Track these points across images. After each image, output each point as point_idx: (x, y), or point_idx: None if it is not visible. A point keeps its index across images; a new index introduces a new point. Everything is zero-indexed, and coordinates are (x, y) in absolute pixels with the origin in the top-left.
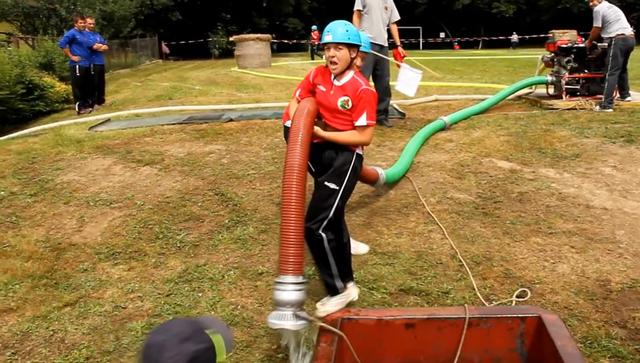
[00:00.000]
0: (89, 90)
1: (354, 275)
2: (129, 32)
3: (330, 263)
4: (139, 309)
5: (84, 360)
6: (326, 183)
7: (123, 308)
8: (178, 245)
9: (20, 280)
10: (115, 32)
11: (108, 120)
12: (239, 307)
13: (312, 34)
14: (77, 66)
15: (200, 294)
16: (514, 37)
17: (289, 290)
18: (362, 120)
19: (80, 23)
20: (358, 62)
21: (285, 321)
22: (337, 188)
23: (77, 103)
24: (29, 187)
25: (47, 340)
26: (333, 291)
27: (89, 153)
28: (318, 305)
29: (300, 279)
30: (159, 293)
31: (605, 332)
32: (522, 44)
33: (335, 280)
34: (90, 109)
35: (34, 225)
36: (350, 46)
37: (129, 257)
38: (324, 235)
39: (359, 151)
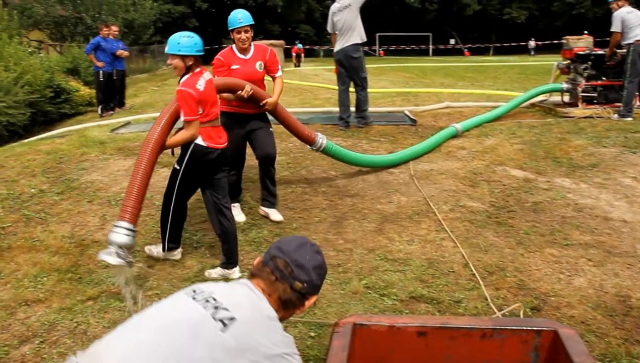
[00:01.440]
0: (111, 94)
1: (366, 282)
2: (148, 38)
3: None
4: None
5: None
6: (175, 165)
7: (142, 305)
8: (194, 245)
9: (48, 273)
10: (135, 38)
11: (128, 123)
12: None
13: (293, 48)
14: (101, 71)
15: None
16: (532, 43)
17: (120, 233)
18: (181, 118)
19: (105, 31)
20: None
21: (108, 256)
22: (179, 168)
23: (100, 106)
24: (57, 185)
25: (71, 331)
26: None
27: (111, 154)
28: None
29: (131, 227)
30: (176, 292)
31: (626, 350)
32: (534, 49)
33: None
34: (112, 112)
35: (61, 222)
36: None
37: (147, 255)
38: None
39: (197, 142)
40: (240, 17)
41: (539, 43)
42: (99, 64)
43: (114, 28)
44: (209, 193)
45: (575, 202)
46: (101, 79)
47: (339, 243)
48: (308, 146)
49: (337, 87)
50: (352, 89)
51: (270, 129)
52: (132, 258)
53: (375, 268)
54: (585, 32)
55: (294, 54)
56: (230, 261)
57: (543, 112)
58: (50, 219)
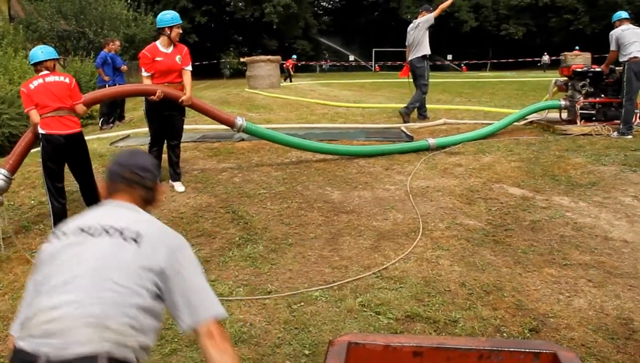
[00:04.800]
0: (114, 108)
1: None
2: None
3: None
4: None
5: None
6: None
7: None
8: None
9: None
10: (136, 53)
11: (128, 136)
12: (247, 324)
13: (287, 61)
14: (106, 85)
15: None
16: (545, 58)
17: None
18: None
19: (112, 46)
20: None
21: None
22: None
23: (102, 119)
24: None
25: None
26: None
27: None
28: None
29: (8, 174)
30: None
31: None
32: (532, 66)
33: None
34: (112, 125)
35: None
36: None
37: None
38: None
39: (41, 131)
40: (172, 16)
41: (536, 59)
42: (106, 78)
43: (117, 43)
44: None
45: (575, 221)
46: None
47: (335, 260)
48: (230, 128)
49: (332, 103)
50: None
51: (183, 118)
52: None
53: (371, 285)
54: (577, 47)
55: (287, 69)
56: None
57: (541, 129)
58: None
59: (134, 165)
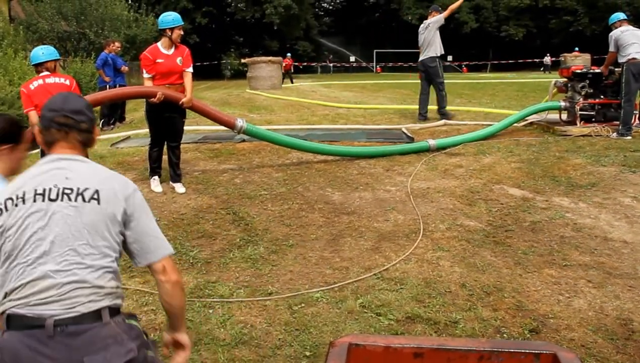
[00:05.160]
0: (114, 109)
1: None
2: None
3: None
4: (152, 322)
5: None
6: None
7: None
8: (191, 261)
9: None
10: (137, 54)
11: (128, 137)
12: (248, 325)
13: (284, 60)
14: (107, 86)
15: (210, 311)
16: (547, 59)
17: None
18: None
19: (112, 47)
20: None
21: None
22: None
23: (102, 120)
24: None
25: None
26: None
27: (111, 168)
28: None
29: None
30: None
31: None
32: (532, 67)
33: None
34: (113, 126)
35: None
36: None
37: (144, 270)
38: None
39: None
40: (174, 17)
41: (536, 60)
42: (107, 79)
43: (117, 44)
44: None
45: (574, 221)
46: None
47: (335, 261)
48: (231, 130)
49: (333, 104)
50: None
51: (183, 120)
52: None
53: (372, 287)
54: (576, 48)
55: (287, 69)
56: None
57: (541, 130)
58: None
59: (66, 109)
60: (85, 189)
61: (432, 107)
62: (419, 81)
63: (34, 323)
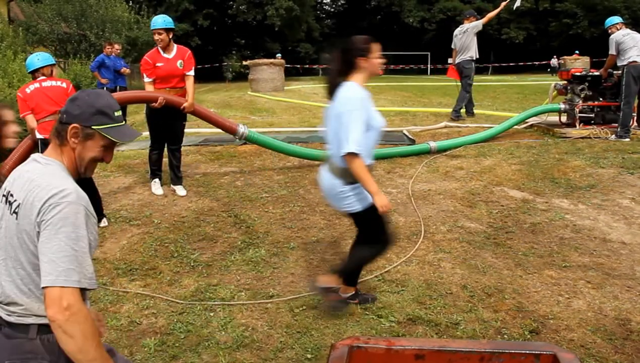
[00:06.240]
0: None
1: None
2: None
3: None
4: (152, 325)
5: None
6: None
7: (138, 324)
8: (192, 264)
9: None
10: (138, 56)
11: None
12: (250, 328)
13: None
14: (105, 88)
15: (211, 314)
16: (554, 61)
17: None
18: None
19: (109, 49)
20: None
21: None
22: None
23: None
24: None
25: None
26: None
27: (112, 171)
28: None
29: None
30: (172, 311)
31: None
32: (532, 69)
33: None
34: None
35: None
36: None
37: (145, 273)
38: None
39: (39, 136)
40: (155, 22)
41: (536, 63)
42: (103, 80)
43: (117, 46)
44: None
45: (574, 223)
46: None
47: (337, 263)
48: (232, 136)
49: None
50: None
51: (184, 123)
52: None
53: (373, 289)
54: (577, 51)
55: None
56: None
57: (541, 132)
58: None
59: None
60: (15, 200)
61: (433, 110)
62: (457, 83)
63: None
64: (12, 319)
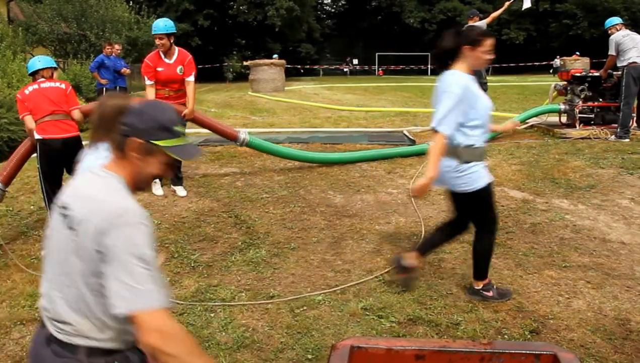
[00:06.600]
0: None
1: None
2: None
3: None
4: None
5: None
6: None
7: None
8: (192, 264)
9: None
10: (139, 56)
11: None
12: (250, 329)
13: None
14: (105, 89)
15: (212, 314)
16: (557, 62)
17: None
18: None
19: (108, 49)
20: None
21: None
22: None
23: None
24: None
25: None
26: None
27: None
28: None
29: (1, 186)
30: (172, 312)
31: None
32: (532, 70)
33: None
34: None
35: None
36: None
37: None
38: None
39: (38, 137)
40: (157, 26)
41: (536, 64)
42: (103, 81)
43: (117, 46)
44: None
45: (574, 223)
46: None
47: (337, 264)
48: (233, 142)
49: (336, 107)
50: None
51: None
52: None
53: (374, 289)
54: (577, 52)
55: None
56: None
57: (541, 133)
58: None
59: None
60: (73, 213)
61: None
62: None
63: (42, 325)
64: (61, 337)
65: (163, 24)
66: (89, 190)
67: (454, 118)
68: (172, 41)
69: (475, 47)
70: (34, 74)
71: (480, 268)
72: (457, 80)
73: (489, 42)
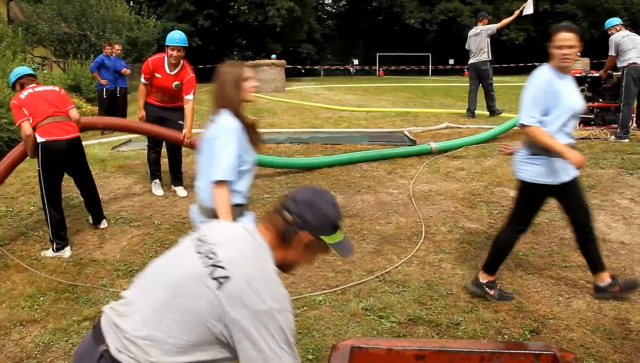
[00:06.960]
0: (114, 112)
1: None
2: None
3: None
4: None
5: None
6: None
7: None
8: None
9: (44, 292)
10: (139, 56)
11: (129, 140)
12: None
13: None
14: (104, 89)
15: None
16: None
17: None
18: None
19: (108, 49)
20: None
21: None
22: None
23: None
24: None
25: (66, 353)
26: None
27: (112, 172)
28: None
29: None
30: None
31: None
32: (532, 70)
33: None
34: (113, 130)
35: None
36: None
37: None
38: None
39: (41, 140)
40: (177, 37)
41: (536, 64)
42: (103, 81)
43: (117, 47)
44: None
45: None
46: (104, 97)
47: (338, 264)
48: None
49: (337, 108)
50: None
51: (180, 122)
52: None
53: (374, 289)
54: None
55: None
56: (61, 243)
57: None
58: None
59: (294, 195)
60: (223, 269)
61: (434, 110)
62: (468, 80)
63: None
64: (122, 357)
65: (181, 37)
66: (245, 249)
67: (534, 111)
68: (183, 55)
69: (554, 47)
70: (14, 85)
71: (493, 261)
72: (539, 76)
73: (567, 43)
